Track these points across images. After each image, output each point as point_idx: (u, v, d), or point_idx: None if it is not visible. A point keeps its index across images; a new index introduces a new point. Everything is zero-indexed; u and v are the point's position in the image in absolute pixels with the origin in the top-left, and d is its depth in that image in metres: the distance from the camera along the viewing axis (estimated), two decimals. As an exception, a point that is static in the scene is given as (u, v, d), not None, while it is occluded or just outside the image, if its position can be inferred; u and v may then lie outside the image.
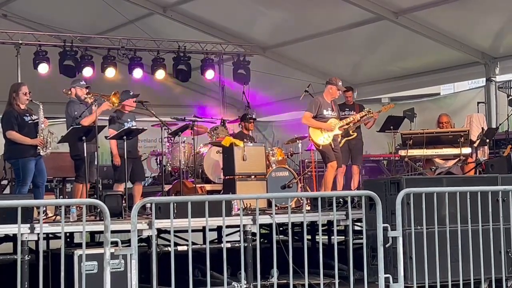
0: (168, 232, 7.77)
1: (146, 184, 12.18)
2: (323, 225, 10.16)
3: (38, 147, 9.24)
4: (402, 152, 11.22)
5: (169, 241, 7.45)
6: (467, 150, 11.08)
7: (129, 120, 10.65)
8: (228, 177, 11.31)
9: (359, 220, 8.22)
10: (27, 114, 9.36)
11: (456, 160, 11.27)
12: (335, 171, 10.47)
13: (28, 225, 7.37)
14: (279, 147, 12.99)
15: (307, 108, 10.61)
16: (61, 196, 11.67)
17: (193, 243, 6.82)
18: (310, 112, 10.48)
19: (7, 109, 9.36)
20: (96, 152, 9.89)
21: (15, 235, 7.21)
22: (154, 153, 13.69)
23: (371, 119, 11.41)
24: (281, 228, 9.02)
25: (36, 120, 9.34)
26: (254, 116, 13.55)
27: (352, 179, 11.52)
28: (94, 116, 9.68)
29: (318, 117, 10.48)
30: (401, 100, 15.50)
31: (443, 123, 11.90)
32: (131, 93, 10.80)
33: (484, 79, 13.07)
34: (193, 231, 6.46)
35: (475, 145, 11.24)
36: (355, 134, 11.13)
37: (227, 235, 7.33)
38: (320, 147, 10.48)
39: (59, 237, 7.34)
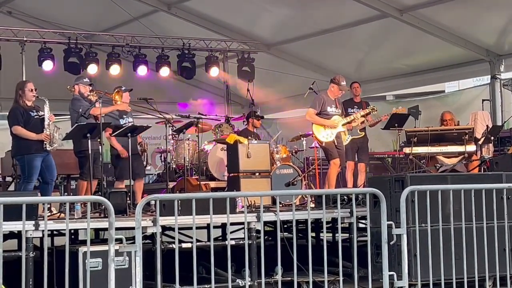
0: (173, 229, 7.77)
1: (150, 181, 12.16)
2: (327, 223, 10.12)
3: (45, 142, 9.22)
4: (407, 150, 11.22)
5: (173, 238, 7.44)
6: (471, 148, 11.08)
7: (124, 116, 10.52)
8: (232, 174, 11.29)
9: (364, 217, 8.21)
10: (34, 110, 9.36)
11: (461, 157, 11.26)
12: (338, 168, 10.49)
13: (33, 222, 7.36)
14: (284, 145, 12.96)
15: (311, 105, 10.65)
16: (66, 193, 11.68)
17: (198, 240, 6.83)
18: (314, 109, 10.51)
19: (14, 106, 9.38)
20: (100, 149, 9.87)
21: (19, 232, 7.20)
22: (158, 150, 13.68)
23: (376, 117, 11.41)
24: (285, 226, 9.02)
25: (42, 116, 9.33)
26: (258, 113, 13.53)
27: (358, 177, 11.52)
28: (105, 109, 9.63)
29: (322, 114, 10.50)
30: (406, 98, 15.52)
31: (447, 121, 11.89)
32: (123, 88, 10.68)
33: (489, 76, 13.04)
34: (197, 228, 6.47)
35: (480, 142, 11.23)
36: (363, 133, 11.19)
37: (231, 233, 7.33)
38: (323, 144, 10.50)
39: (64, 234, 7.33)
